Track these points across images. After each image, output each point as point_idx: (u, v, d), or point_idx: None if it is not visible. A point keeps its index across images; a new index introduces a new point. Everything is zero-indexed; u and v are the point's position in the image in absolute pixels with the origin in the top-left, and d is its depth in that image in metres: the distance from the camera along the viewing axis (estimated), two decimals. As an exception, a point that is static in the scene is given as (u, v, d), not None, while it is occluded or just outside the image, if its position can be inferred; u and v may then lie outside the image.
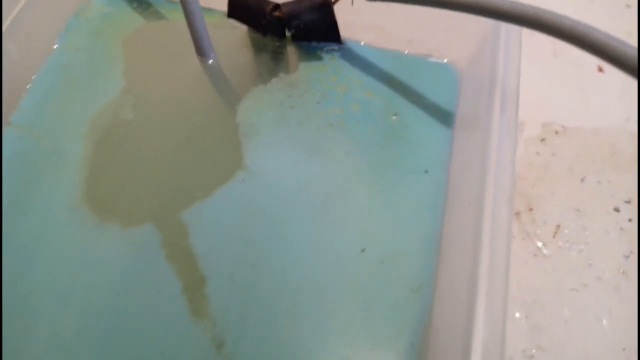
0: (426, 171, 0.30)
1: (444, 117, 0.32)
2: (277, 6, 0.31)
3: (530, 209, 0.37)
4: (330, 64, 0.34)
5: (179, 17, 0.34)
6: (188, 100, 0.32)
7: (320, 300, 0.25)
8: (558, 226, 0.36)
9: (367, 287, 0.26)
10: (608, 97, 0.41)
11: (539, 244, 0.36)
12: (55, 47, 0.33)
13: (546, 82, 0.43)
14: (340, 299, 0.26)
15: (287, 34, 0.33)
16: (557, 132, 0.40)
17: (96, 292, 0.26)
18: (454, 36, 0.33)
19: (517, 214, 0.37)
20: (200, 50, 0.32)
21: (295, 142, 0.31)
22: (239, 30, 0.34)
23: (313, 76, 0.34)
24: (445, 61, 0.34)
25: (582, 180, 0.38)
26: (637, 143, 0.38)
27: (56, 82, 0.31)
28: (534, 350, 0.33)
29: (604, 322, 0.33)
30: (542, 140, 0.40)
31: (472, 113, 0.30)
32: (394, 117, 0.32)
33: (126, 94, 0.31)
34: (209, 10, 0.33)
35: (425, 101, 0.33)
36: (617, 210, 0.36)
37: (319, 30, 0.33)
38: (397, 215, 0.28)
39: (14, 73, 0.30)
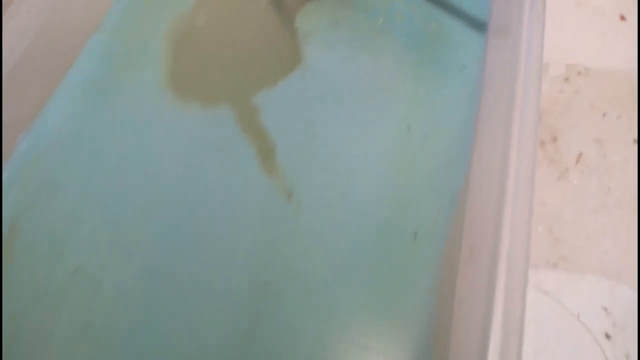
0: (464, 66, 0.34)
1: (479, 25, 0.36)
2: None
3: (555, 139, 0.41)
4: (378, -20, 0.39)
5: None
6: (252, 11, 0.36)
7: (372, 166, 0.30)
8: (580, 154, 0.39)
9: (414, 157, 0.30)
10: (629, 43, 0.42)
11: (563, 170, 0.39)
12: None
13: (570, 29, 0.46)
14: (389, 165, 0.30)
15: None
16: (579, 73, 0.44)
17: (179, 157, 0.30)
18: None
19: (542, 143, 0.41)
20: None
21: (347, 44, 0.36)
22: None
23: (361, -9, 0.38)
24: None
25: (604, 115, 0.41)
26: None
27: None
28: (557, 260, 0.36)
29: (623, 237, 0.35)
30: (566, 79, 0.44)
31: (503, 22, 0.34)
32: (434, 24, 0.37)
33: (198, 6, 0.36)
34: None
35: (462, 12, 0.37)
36: (635, 142, 0.38)
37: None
38: (439, 102, 0.32)
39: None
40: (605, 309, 0.33)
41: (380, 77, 0.34)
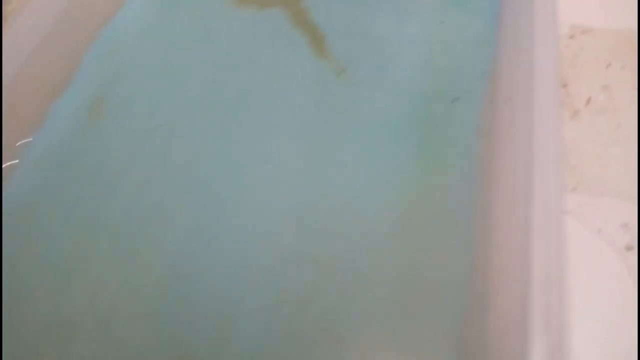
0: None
1: None
2: None
3: (565, 86, 0.44)
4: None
5: None
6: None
7: (412, 49, 0.33)
8: (589, 98, 0.43)
9: (448, 43, 0.33)
10: (629, 5, 0.47)
11: (574, 111, 0.43)
12: None
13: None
14: (429, 48, 0.33)
15: None
16: (583, 32, 0.48)
17: (241, 52, 0.33)
18: None
19: (553, 88, 0.44)
20: None
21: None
22: None
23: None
24: None
25: (608, 65, 0.45)
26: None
27: None
28: (575, 185, 0.38)
29: (634, 164, 0.37)
30: (571, 37, 0.48)
31: None
32: None
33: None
34: None
35: None
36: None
37: None
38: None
39: None
40: (625, 225, 0.35)
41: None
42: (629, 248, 0.34)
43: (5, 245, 0.27)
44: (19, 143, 0.30)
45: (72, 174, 0.28)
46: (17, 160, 0.28)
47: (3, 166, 0.28)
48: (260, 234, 0.27)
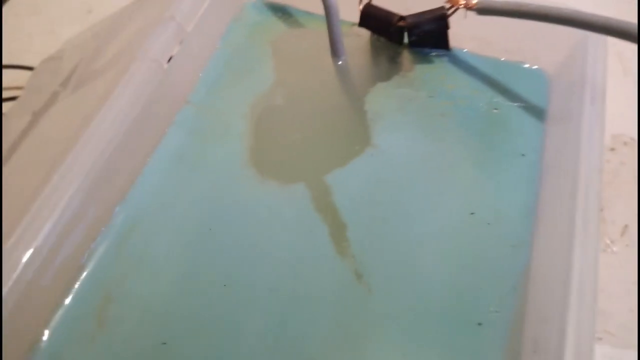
0: (523, 155, 0.36)
1: (538, 112, 0.39)
2: (402, 17, 0.39)
3: (601, 210, 0.43)
4: (440, 66, 0.41)
5: (314, 25, 0.42)
6: (325, 91, 0.39)
7: (437, 249, 0.32)
8: (626, 226, 0.41)
9: (477, 243, 0.32)
10: None
11: (608, 241, 0.41)
12: (218, 45, 0.41)
13: (615, 99, 0.48)
14: (453, 249, 0.32)
15: (405, 41, 0.41)
16: (625, 143, 0.46)
17: (259, 231, 0.33)
18: (544, 45, 0.40)
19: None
20: (335, 52, 0.40)
21: (414, 127, 0.38)
22: (362, 37, 0.42)
23: (426, 75, 0.41)
24: (536, 67, 0.41)
25: None
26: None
27: (221, 72, 0.40)
28: (602, 334, 0.37)
29: None
30: (612, 149, 0.45)
31: (563, 110, 0.36)
32: (495, 111, 0.39)
33: (276, 85, 0.39)
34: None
35: (521, 100, 0.40)
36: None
37: (432, 39, 0.40)
38: (500, 187, 0.35)
39: (191, 63, 0.38)
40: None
41: (443, 160, 0.37)
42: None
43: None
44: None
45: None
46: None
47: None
48: None
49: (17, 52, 0.53)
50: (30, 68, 0.47)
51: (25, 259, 0.27)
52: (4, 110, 0.48)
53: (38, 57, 0.48)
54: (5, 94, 0.48)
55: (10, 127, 0.42)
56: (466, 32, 0.41)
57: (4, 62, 0.50)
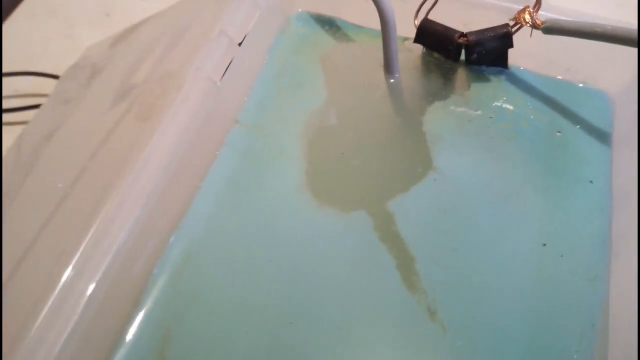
0: (591, 181, 0.35)
1: (602, 136, 0.37)
2: (462, 34, 0.37)
3: None
4: (497, 85, 0.39)
5: (363, 38, 0.40)
6: (381, 110, 0.37)
7: (510, 284, 0.31)
8: None
9: (552, 275, 0.30)
10: None
11: None
12: (266, 60, 0.39)
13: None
14: (528, 283, 0.30)
15: (462, 58, 0.39)
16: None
17: (321, 263, 0.31)
18: (607, 65, 0.38)
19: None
20: (389, 69, 0.38)
21: (475, 149, 0.36)
22: (413, 53, 0.40)
23: (483, 94, 0.39)
24: (598, 88, 0.40)
25: None
26: None
27: (270, 89, 0.37)
28: None
29: None
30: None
31: (629, 134, 0.35)
32: (557, 134, 0.38)
33: (329, 103, 0.37)
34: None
35: (584, 122, 0.38)
36: None
37: (492, 56, 0.38)
38: (570, 217, 0.33)
39: (239, 79, 0.36)
40: None
41: (508, 185, 0.35)
42: None
43: None
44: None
45: None
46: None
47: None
48: None
49: (33, 56, 0.50)
50: (54, 76, 0.45)
51: (89, 292, 0.25)
52: (24, 118, 0.46)
53: (56, 63, 0.46)
54: (24, 102, 0.46)
55: (32, 137, 0.39)
56: (523, 48, 0.39)
57: (22, 68, 0.48)
